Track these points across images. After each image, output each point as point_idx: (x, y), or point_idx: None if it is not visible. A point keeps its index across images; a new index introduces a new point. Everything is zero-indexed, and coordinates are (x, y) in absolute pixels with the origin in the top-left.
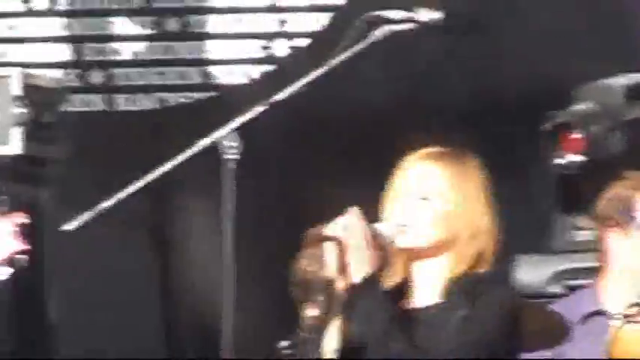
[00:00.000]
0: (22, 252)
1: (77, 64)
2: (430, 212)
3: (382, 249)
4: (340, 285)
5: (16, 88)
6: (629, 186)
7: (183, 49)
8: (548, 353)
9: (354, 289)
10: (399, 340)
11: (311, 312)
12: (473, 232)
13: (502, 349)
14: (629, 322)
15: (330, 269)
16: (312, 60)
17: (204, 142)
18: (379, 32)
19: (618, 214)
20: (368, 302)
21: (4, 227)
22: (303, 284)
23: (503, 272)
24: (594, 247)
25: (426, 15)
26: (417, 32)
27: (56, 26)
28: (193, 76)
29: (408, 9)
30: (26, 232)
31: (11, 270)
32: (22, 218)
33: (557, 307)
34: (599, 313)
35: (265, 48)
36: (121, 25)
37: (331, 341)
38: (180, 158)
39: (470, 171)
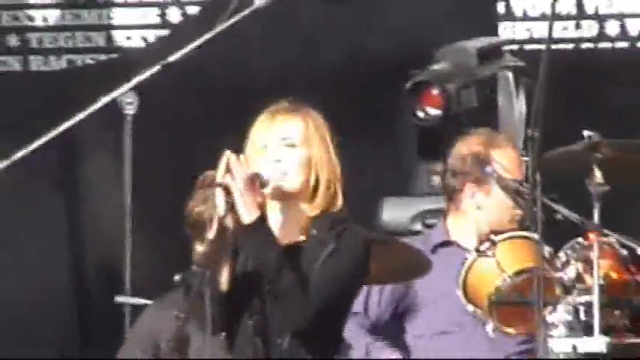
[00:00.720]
0: None
1: None
2: (298, 158)
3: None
4: (229, 224)
5: None
6: (481, 143)
7: (89, 16)
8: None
9: (245, 228)
10: (290, 272)
11: (201, 248)
12: (329, 176)
13: (360, 277)
14: (480, 255)
15: (219, 210)
16: (201, 26)
17: (106, 99)
18: (259, 2)
19: (474, 170)
20: (261, 239)
21: None
22: (194, 224)
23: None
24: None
25: None
26: (296, 0)
27: None
28: (98, 40)
29: None
30: None
31: None
32: None
33: (416, 242)
34: (446, 243)
35: (160, 15)
36: None
37: (223, 274)
38: (85, 113)
39: (321, 124)
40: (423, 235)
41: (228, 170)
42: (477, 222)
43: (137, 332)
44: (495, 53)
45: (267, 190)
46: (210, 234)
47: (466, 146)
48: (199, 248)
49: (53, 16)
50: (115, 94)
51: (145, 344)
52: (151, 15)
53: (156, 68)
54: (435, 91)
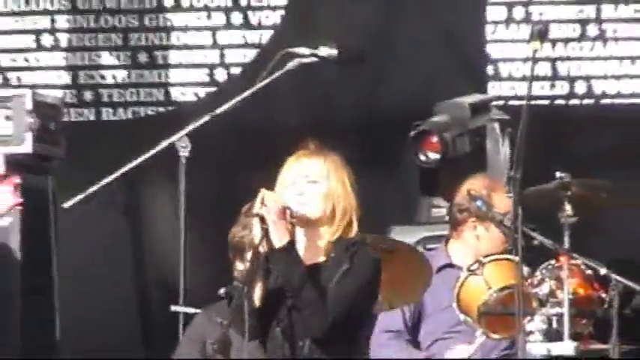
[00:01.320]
0: (18, 204)
1: (73, 87)
2: (319, 191)
3: (290, 221)
4: (264, 248)
5: (28, 104)
6: (484, 186)
7: (150, 75)
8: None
9: (276, 251)
10: (312, 288)
11: (241, 267)
12: (345, 207)
13: (372, 293)
14: (471, 274)
15: (256, 236)
16: (243, 84)
17: (165, 143)
18: (291, 64)
19: (473, 208)
20: (288, 261)
21: (4, 188)
22: (235, 246)
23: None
24: (445, 221)
25: (325, 51)
26: (319, 64)
27: (59, 58)
28: (157, 95)
29: (312, 47)
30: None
31: (11, 219)
32: (17, 179)
33: None
34: (449, 265)
35: (209, 75)
36: (106, 57)
37: (258, 290)
38: (147, 155)
39: (339, 163)
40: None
41: (263, 203)
42: (475, 249)
43: (188, 335)
44: (484, 108)
45: (294, 217)
46: (249, 256)
47: (468, 188)
48: (239, 266)
49: (121, 75)
50: (171, 139)
51: (195, 345)
52: (202, 74)
53: (206, 118)
54: (434, 139)
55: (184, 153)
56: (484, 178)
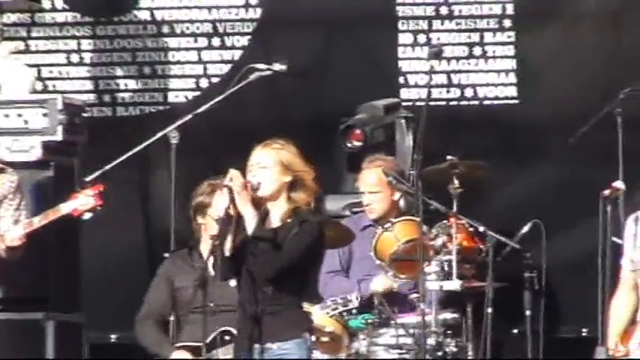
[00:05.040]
0: (99, 205)
1: (95, 92)
2: (268, 173)
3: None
4: (231, 210)
5: (59, 105)
6: (384, 164)
7: (152, 82)
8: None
9: (240, 216)
10: (266, 242)
11: (201, 220)
12: (295, 185)
13: (314, 249)
14: (385, 230)
15: (225, 202)
16: (220, 90)
17: (160, 134)
18: (253, 76)
19: (388, 179)
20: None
21: (89, 192)
22: (196, 206)
23: (318, 207)
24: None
25: (277, 66)
26: (277, 78)
27: (83, 71)
28: (158, 97)
29: (269, 63)
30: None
31: (91, 214)
32: (100, 187)
33: (347, 222)
34: (370, 225)
35: (195, 83)
36: (119, 70)
37: (227, 243)
38: (148, 142)
39: (291, 150)
40: (352, 218)
41: (230, 179)
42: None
43: (159, 276)
44: (394, 108)
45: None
46: (207, 212)
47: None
48: (199, 220)
49: (131, 83)
50: (165, 130)
51: (165, 283)
52: (190, 83)
53: (189, 116)
54: (357, 131)
55: (174, 141)
56: (394, 160)
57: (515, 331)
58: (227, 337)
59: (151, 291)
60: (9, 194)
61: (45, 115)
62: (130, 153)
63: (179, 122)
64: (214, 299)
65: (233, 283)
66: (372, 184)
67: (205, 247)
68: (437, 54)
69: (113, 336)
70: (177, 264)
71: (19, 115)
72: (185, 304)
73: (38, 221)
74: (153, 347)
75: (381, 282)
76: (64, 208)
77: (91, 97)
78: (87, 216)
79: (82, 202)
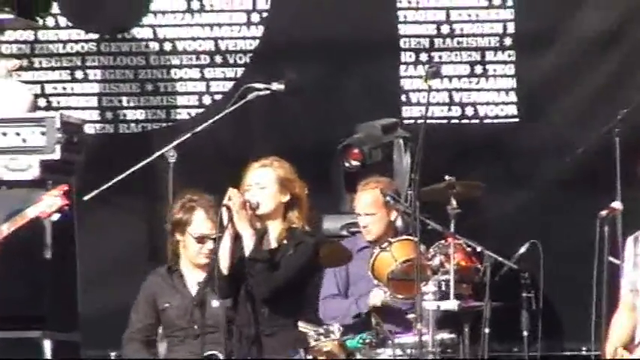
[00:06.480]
0: (66, 205)
1: (98, 108)
2: (267, 193)
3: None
4: (229, 230)
5: (57, 123)
6: (379, 185)
7: (155, 100)
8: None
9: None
10: (262, 263)
11: (179, 237)
12: (292, 204)
13: (309, 271)
14: (382, 250)
15: (224, 221)
16: (221, 108)
17: (158, 153)
18: (250, 95)
19: (386, 199)
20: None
21: (55, 192)
22: (175, 222)
23: (315, 227)
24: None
25: (275, 86)
26: (273, 95)
27: (88, 87)
28: (161, 115)
29: (267, 82)
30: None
31: (59, 215)
32: (65, 187)
33: (345, 243)
34: (366, 247)
35: (198, 100)
36: (122, 86)
37: (224, 262)
38: (147, 160)
39: (288, 170)
40: (349, 239)
41: (229, 198)
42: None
43: (143, 294)
44: (392, 128)
45: (258, 212)
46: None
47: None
48: (177, 237)
49: (133, 100)
50: (162, 150)
51: (149, 300)
52: (193, 99)
53: (187, 135)
54: (355, 151)
55: (171, 159)
56: (390, 181)
57: (516, 349)
58: None
59: (135, 310)
60: None
61: (43, 133)
62: (128, 172)
63: (176, 141)
64: (196, 320)
65: (216, 303)
66: (368, 205)
67: (185, 266)
68: (434, 74)
69: (112, 354)
70: (158, 283)
71: (17, 134)
72: (169, 325)
73: (7, 228)
74: None
75: (379, 296)
76: (31, 212)
77: (94, 114)
78: (55, 217)
79: (49, 204)
